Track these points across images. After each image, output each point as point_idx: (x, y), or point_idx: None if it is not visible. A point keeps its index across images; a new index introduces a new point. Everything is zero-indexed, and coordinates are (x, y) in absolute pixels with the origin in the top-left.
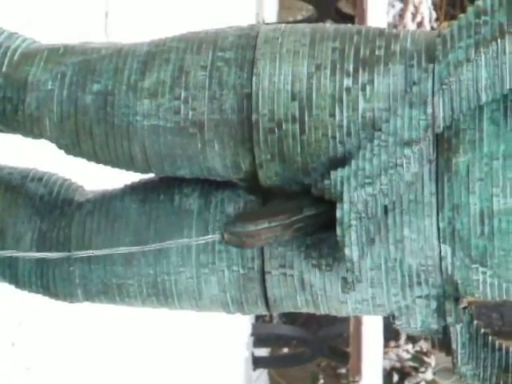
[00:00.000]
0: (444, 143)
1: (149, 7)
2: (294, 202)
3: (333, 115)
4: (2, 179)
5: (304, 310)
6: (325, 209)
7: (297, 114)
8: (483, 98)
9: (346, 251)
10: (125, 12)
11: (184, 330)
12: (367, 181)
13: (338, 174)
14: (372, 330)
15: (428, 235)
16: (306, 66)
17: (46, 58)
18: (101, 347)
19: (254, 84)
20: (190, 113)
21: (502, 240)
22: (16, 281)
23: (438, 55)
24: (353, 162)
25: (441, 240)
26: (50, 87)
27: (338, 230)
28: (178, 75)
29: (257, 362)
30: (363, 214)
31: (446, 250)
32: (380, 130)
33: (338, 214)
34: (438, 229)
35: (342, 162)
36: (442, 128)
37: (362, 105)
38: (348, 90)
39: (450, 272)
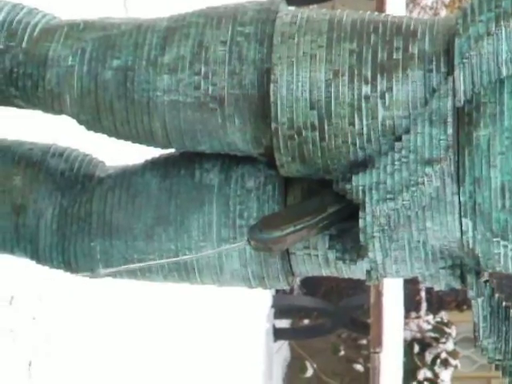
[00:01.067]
0: (464, 117)
1: None
2: (317, 200)
3: (352, 124)
4: (23, 155)
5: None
6: (347, 203)
7: (316, 122)
8: (504, 72)
9: (370, 255)
10: None
11: (205, 303)
12: (389, 196)
13: (359, 182)
14: (392, 301)
15: (451, 228)
16: (323, 72)
17: (66, 34)
18: (120, 320)
19: (271, 93)
20: (210, 88)
21: None
22: (37, 256)
23: (459, 29)
24: (374, 172)
25: (462, 214)
26: (70, 63)
27: (362, 237)
28: (198, 50)
29: (278, 334)
30: (386, 227)
31: (468, 223)
32: (400, 139)
33: (361, 223)
34: (461, 224)
35: (363, 164)
36: (462, 102)
37: (381, 113)
38: (367, 98)
39: (471, 246)
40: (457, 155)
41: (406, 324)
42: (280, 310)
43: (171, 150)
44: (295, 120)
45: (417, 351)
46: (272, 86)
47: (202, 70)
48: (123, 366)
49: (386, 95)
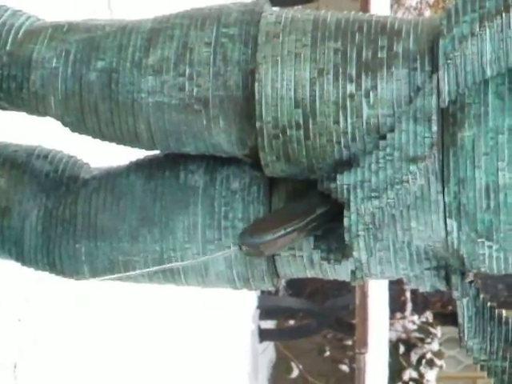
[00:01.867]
0: (449, 118)
1: None
2: (304, 202)
3: (337, 122)
4: (8, 157)
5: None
6: (333, 204)
7: (301, 121)
8: (488, 72)
9: (355, 254)
10: None
11: (190, 304)
12: (374, 194)
13: (344, 181)
14: (378, 302)
15: (435, 228)
16: (308, 70)
17: (50, 36)
18: (107, 321)
19: (256, 91)
20: (195, 89)
21: (508, 214)
22: (22, 258)
23: (443, 29)
24: (359, 170)
25: (447, 214)
26: (54, 65)
27: (346, 236)
28: (182, 52)
29: (263, 335)
30: (370, 226)
31: (452, 224)
32: (384, 137)
33: (346, 222)
34: (445, 223)
35: (347, 163)
36: (447, 102)
37: (366, 111)
38: (352, 96)
39: (455, 246)
40: (441, 155)
41: (391, 325)
42: (265, 311)
43: (156, 152)
44: (280, 119)
45: (402, 352)
46: (257, 84)
47: (187, 71)
48: (110, 367)
49: (371, 94)
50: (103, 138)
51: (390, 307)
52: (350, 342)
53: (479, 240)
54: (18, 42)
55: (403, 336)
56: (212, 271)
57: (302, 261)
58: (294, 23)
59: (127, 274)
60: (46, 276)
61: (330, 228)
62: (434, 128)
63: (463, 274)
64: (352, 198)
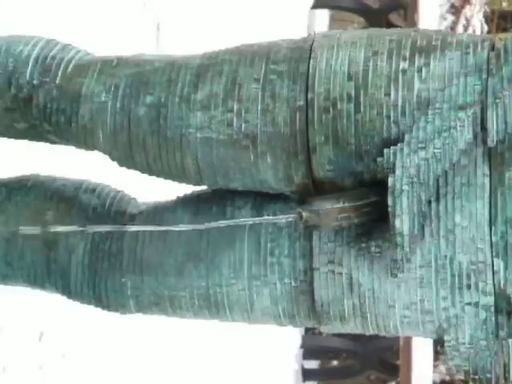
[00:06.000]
0: (497, 157)
1: (200, 19)
2: (357, 190)
3: (388, 94)
4: (56, 191)
5: (351, 327)
6: (380, 198)
7: (352, 92)
8: None
9: (397, 223)
10: (176, 24)
11: (234, 342)
12: (420, 145)
13: (390, 151)
14: (422, 343)
15: (479, 221)
16: (363, 52)
17: (100, 70)
18: (152, 359)
19: (310, 66)
20: (243, 125)
21: None
22: (68, 291)
23: (492, 69)
24: (406, 136)
25: (493, 254)
26: (103, 99)
27: (389, 200)
28: (231, 87)
29: (306, 375)
30: (415, 179)
31: (499, 264)
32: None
33: (390, 182)
34: (490, 213)
35: (395, 142)
36: (495, 142)
37: (417, 85)
38: (404, 71)
39: (502, 286)
40: (490, 195)
41: (435, 366)
42: (309, 351)
43: (203, 187)
44: (331, 91)
45: None
46: (311, 61)
47: (235, 107)
48: None
49: (423, 69)
50: (151, 172)
51: (433, 349)
52: None
53: None
54: (67, 76)
55: (447, 378)
56: (257, 307)
57: (341, 280)
58: (348, 34)
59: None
60: (89, 310)
61: (371, 226)
62: (484, 76)
63: (510, 314)
64: (398, 157)
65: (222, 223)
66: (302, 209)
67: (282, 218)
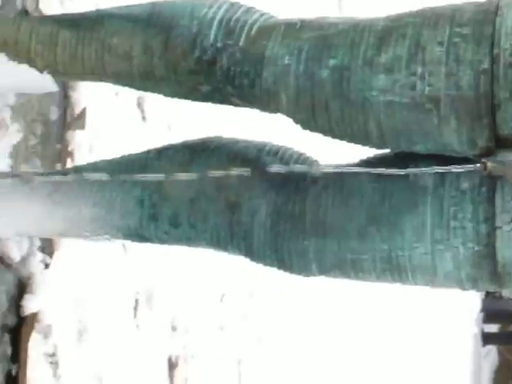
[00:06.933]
0: None
1: None
2: None
3: None
4: (239, 152)
5: None
6: None
7: None
8: None
9: None
10: None
11: (413, 305)
12: None
13: None
14: None
15: None
16: None
17: (284, 33)
18: (330, 319)
19: (497, 23)
20: (427, 88)
21: None
22: (251, 253)
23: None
24: None
25: None
26: (286, 62)
27: None
28: (415, 51)
29: (486, 339)
30: None
31: None
32: None
33: None
34: None
35: None
36: None
37: None
38: None
39: None
40: None
41: None
42: (489, 315)
43: (386, 151)
44: None
45: None
46: (498, 18)
47: (419, 70)
48: (330, 364)
49: None
50: (333, 135)
51: None
52: None
53: None
54: (251, 39)
55: None
56: (440, 271)
57: None
58: None
59: None
60: (270, 271)
61: None
62: None
63: None
64: None
65: (403, 171)
66: (486, 159)
67: (464, 168)
